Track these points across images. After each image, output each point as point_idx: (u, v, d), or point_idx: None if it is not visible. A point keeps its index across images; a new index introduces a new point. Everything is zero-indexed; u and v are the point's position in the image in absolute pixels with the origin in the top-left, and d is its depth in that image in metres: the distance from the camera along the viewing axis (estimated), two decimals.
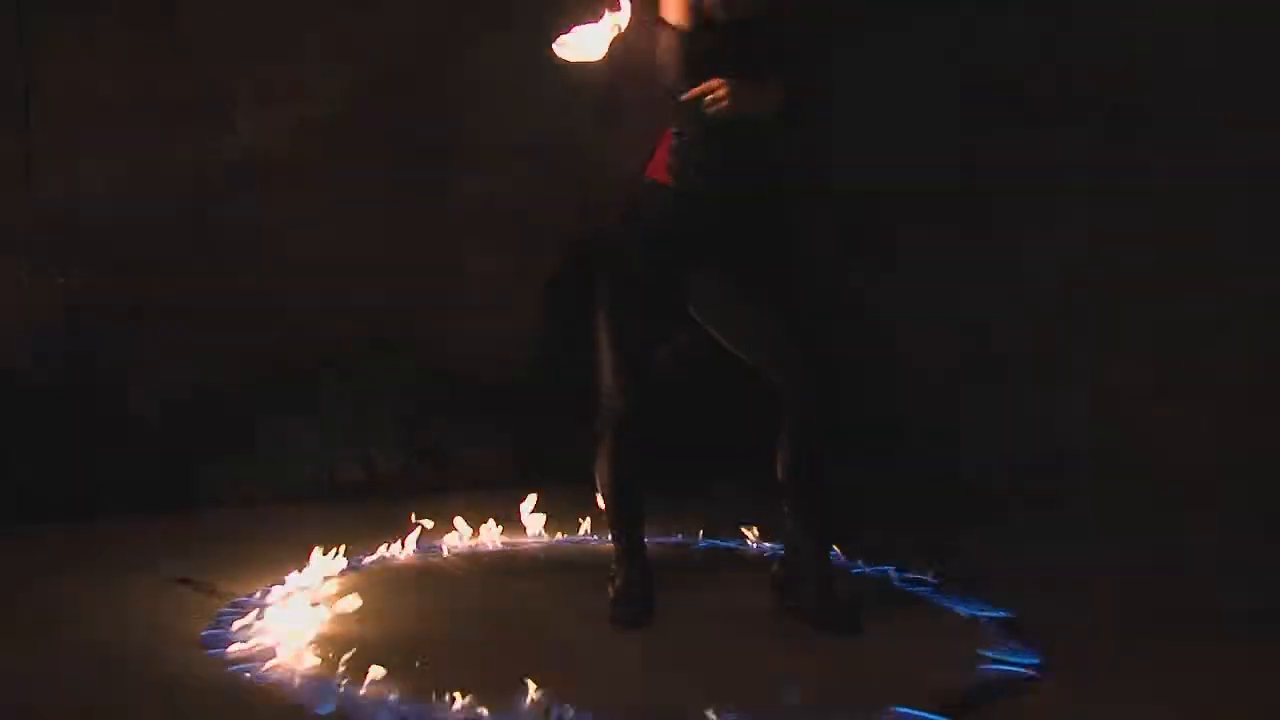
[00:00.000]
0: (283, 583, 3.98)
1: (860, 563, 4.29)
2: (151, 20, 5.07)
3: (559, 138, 5.60)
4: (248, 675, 3.35)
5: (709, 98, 3.52)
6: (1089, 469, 4.92)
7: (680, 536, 4.60)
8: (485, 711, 3.07)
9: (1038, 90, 5.06)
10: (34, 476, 4.75)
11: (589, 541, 4.55)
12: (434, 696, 3.14)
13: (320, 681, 3.27)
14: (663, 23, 3.60)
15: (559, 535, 4.62)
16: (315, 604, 3.78)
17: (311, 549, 4.10)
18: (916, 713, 3.12)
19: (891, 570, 4.24)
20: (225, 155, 5.20)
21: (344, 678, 3.29)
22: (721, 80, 3.51)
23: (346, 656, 3.38)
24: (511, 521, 4.61)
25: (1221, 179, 4.51)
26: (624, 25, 3.51)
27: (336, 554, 4.14)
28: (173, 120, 5.12)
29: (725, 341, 3.73)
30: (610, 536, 3.88)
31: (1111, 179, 4.83)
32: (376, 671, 3.21)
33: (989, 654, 3.56)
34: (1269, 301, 4.43)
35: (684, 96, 3.56)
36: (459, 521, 4.55)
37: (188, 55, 5.12)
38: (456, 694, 3.13)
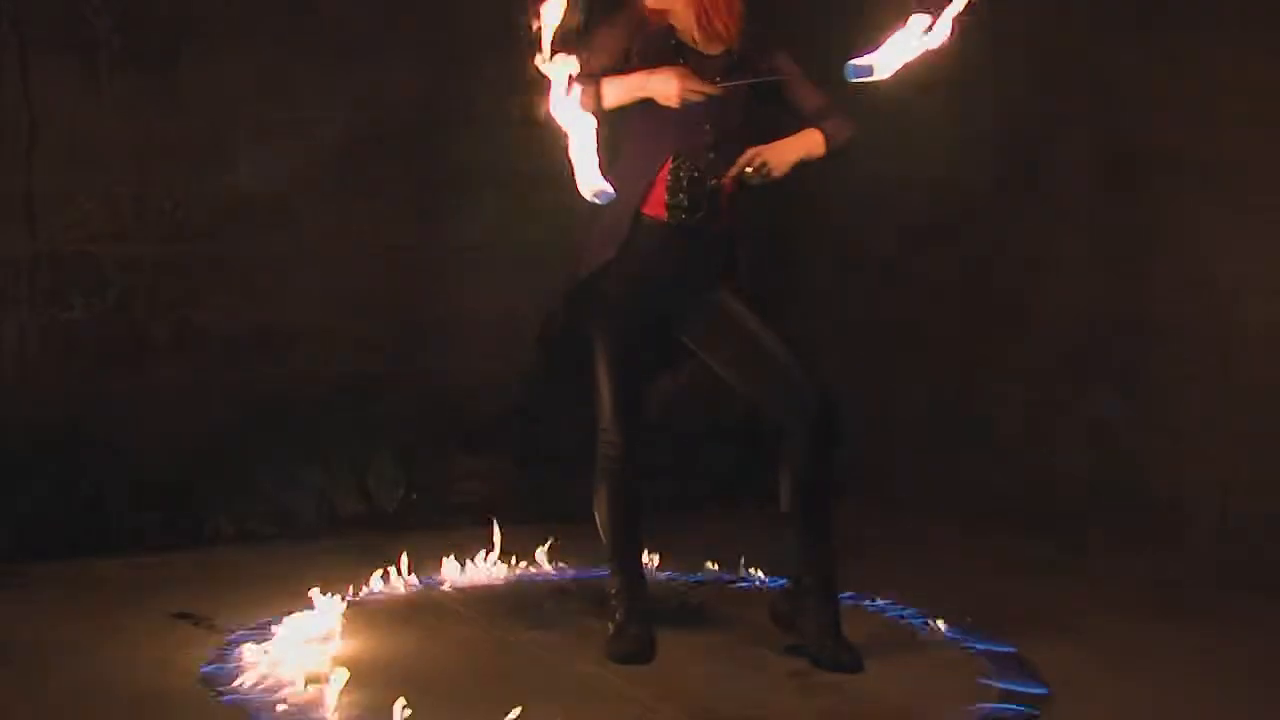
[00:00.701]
0: (283, 617, 3.99)
1: (864, 597, 4.28)
2: (152, 64, 5.12)
3: (558, 174, 5.63)
4: (248, 710, 3.36)
5: (749, 170, 3.58)
6: (1088, 498, 4.93)
7: (680, 571, 4.61)
8: None
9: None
10: (34, 513, 4.75)
11: (588, 575, 4.56)
12: None
13: (319, 716, 3.28)
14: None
15: (558, 569, 4.63)
16: (315, 639, 3.79)
17: (312, 583, 4.11)
18: None
19: (890, 606, 4.23)
20: (225, 194, 5.24)
21: (343, 712, 3.30)
22: (755, 150, 3.57)
23: (346, 691, 3.39)
24: (510, 555, 4.62)
25: None
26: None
27: (336, 592, 4.14)
28: (173, 160, 5.16)
29: (724, 375, 3.75)
30: (609, 570, 3.89)
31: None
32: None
33: (995, 685, 3.56)
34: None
35: (724, 178, 3.62)
36: (458, 555, 4.56)
37: (188, 98, 5.17)
38: None
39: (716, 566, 4.60)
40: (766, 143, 3.67)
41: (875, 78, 3.47)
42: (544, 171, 5.61)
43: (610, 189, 3.31)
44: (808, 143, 3.67)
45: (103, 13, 5.03)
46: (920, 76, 3.47)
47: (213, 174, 5.24)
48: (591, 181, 3.31)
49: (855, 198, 5.80)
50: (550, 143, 5.55)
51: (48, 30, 4.97)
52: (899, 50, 3.44)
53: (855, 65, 3.46)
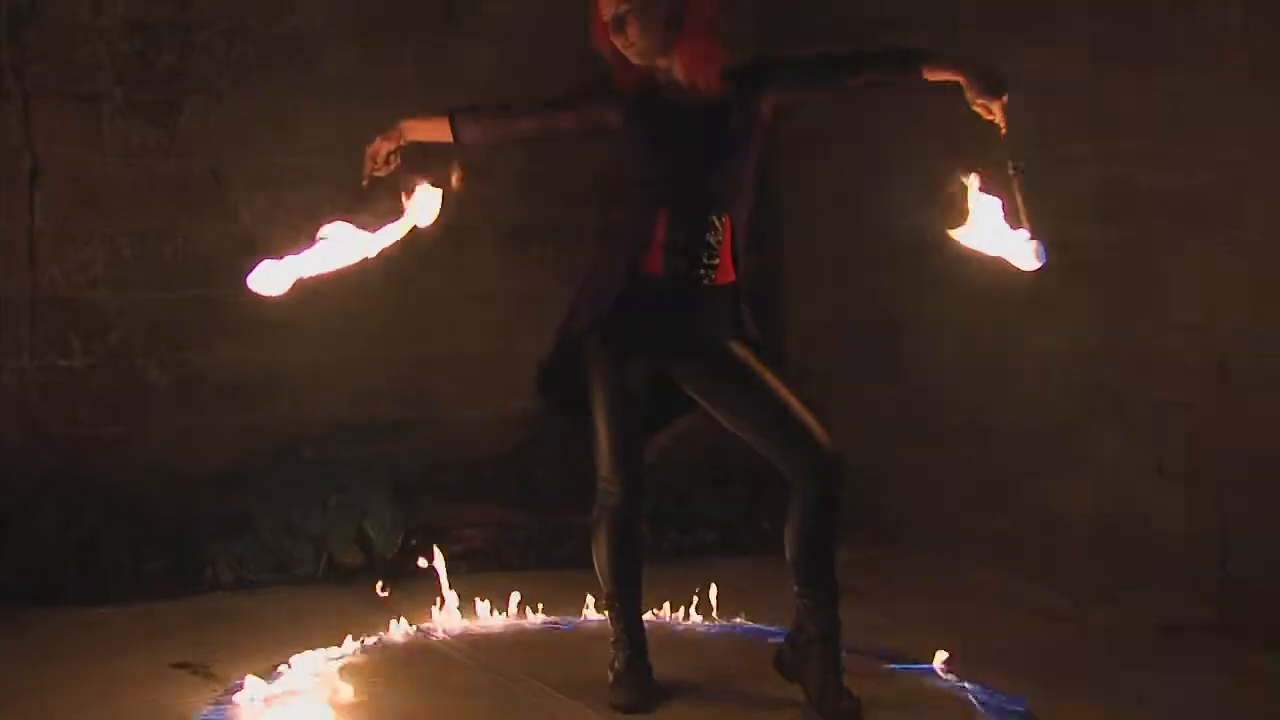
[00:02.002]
0: (282, 665, 3.97)
1: (868, 647, 4.26)
2: (154, 110, 5.15)
3: (558, 221, 5.66)
4: None
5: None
6: (1088, 539, 4.92)
7: (680, 617, 4.59)
8: None
9: None
10: (33, 559, 4.74)
11: (588, 623, 4.54)
12: None
13: None
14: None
15: (558, 616, 4.61)
16: (315, 688, 3.76)
17: (310, 631, 4.09)
18: None
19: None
20: (225, 239, 5.26)
21: None
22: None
23: None
24: (510, 602, 4.60)
25: None
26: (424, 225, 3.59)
27: (335, 640, 4.13)
28: (174, 205, 5.19)
29: (727, 424, 3.73)
30: (609, 619, 3.87)
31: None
32: None
33: None
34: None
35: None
36: (457, 602, 4.54)
37: (188, 143, 5.20)
38: None
39: (717, 614, 4.58)
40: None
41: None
42: (544, 218, 5.70)
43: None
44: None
45: (105, 63, 5.06)
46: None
47: (213, 219, 5.25)
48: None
49: (853, 237, 5.82)
50: (549, 191, 5.64)
51: (51, 79, 5.00)
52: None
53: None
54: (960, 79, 3.49)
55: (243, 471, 5.11)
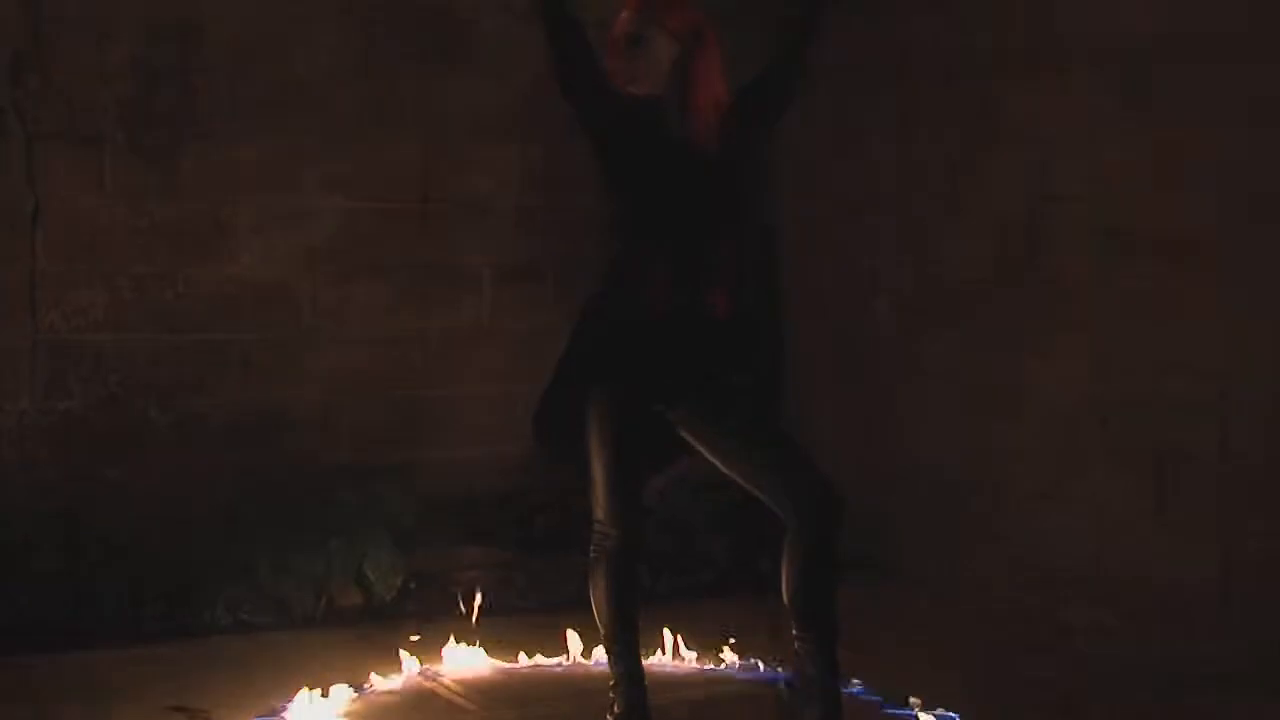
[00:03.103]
0: (281, 711, 3.95)
1: (866, 689, 4.24)
2: (155, 154, 5.17)
3: (557, 260, 5.68)
4: None
5: None
6: (1087, 581, 4.91)
7: (680, 659, 4.57)
8: None
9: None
10: (31, 603, 4.73)
11: (588, 665, 4.52)
12: None
13: None
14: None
15: (558, 659, 4.59)
16: None
17: (310, 674, 4.07)
18: None
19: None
20: (225, 282, 5.27)
21: None
22: None
23: None
24: (509, 646, 4.59)
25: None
26: None
27: (335, 684, 4.11)
28: (174, 248, 5.20)
29: (723, 466, 3.72)
30: (608, 661, 3.85)
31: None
32: None
33: None
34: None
35: None
36: (456, 646, 4.53)
37: (189, 186, 5.22)
38: None
39: (717, 657, 4.56)
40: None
41: None
42: (542, 258, 5.72)
43: None
44: None
45: (108, 106, 5.09)
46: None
47: (213, 261, 5.27)
48: None
49: (853, 282, 5.84)
50: (547, 229, 5.65)
51: (53, 121, 5.03)
52: None
53: None
54: None
55: (242, 514, 5.10)
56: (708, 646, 4.58)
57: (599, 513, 3.70)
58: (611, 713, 3.78)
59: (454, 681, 4.39)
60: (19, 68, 4.98)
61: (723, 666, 4.53)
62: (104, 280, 5.11)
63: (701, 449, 3.72)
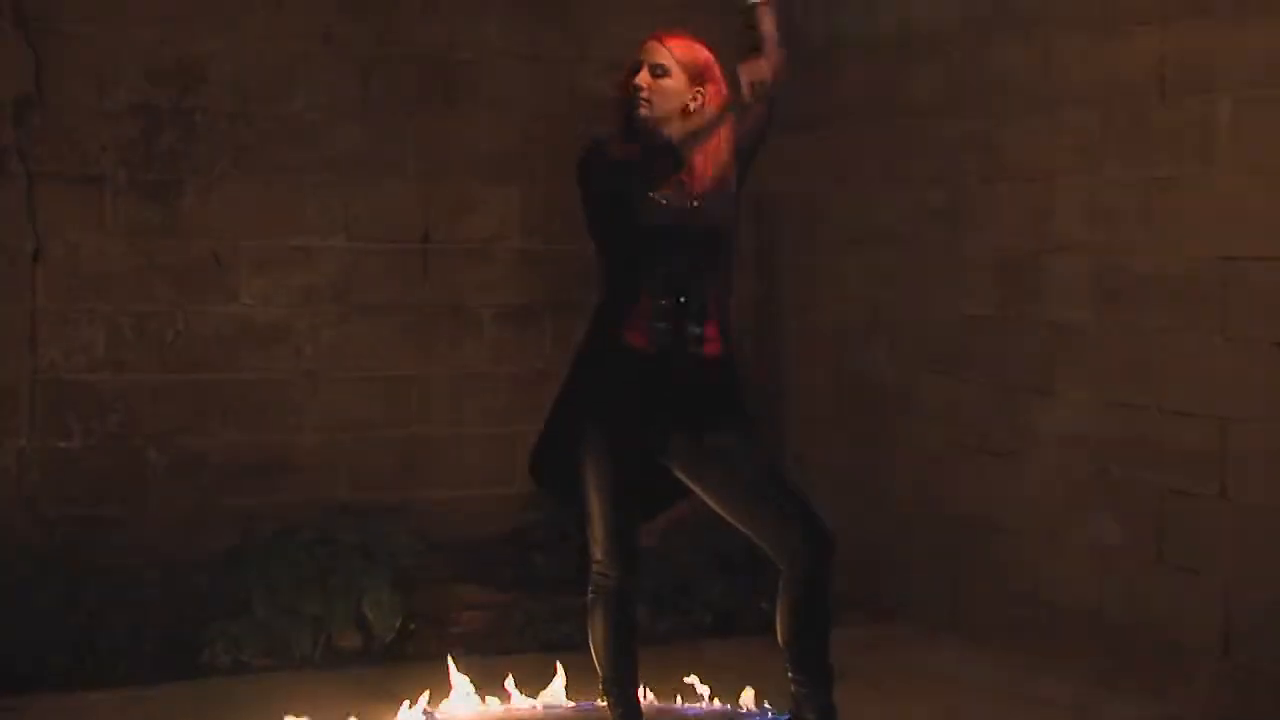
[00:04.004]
0: None
1: None
2: (156, 191, 5.19)
3: (557, 301, 5.69)
4: None
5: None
6: (1088, 627, 4.89)
7: (678, 700, 4.55)
8: None
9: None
10: (30, 642, 4.71)
11: (586, 706, 4.50)
12: None
13: None
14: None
15: (557, 700, 4.57)
16: None
17: (309, 716, 4.05)
18: None
19: None
20: (226, 321, 5.28)
21: None
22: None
23: None
24: (509, 686, 4.57)
25: None
26: None
27: None
28: (175, 287, 5.21)
29: (716, 507, 3.71)
30: (606, 702, 3.84)
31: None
32: None
33: None
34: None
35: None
36: (457, 687, 4.51)
37: (190, 224, 5.24)
38: None
39: (715, 698, 4.54)
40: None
41: None
42: (543, 299, 5.73)
43: None
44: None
45: (109, 145, 5.11)
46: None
47: (214, 301, 5.28)
48: None
49: (854, 324, 5.84)
50: (548, 271, 5.66)
51: (55, 161, 5.05)
52: None
53: None
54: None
55: (241, 553, 5.09)
56: (708, 688, 4.56)
57: (597, 553, 3.70)
58: None
59: None
60: (22, 108, 5.00)
61: (722, 708, 4.51)
62: (104, 319, 5.12)
63: (695, 488, 3.72)
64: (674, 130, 3.61)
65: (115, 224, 5.14)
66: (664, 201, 3.60)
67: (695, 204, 3.60)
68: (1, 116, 4.98)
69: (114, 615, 4.85)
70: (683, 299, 3.61)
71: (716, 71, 3.65)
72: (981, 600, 5.28)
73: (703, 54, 3.65)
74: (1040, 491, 5.09)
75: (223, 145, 5.29)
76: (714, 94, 3.62)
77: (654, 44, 3.65)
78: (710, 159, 3.62)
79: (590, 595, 3.74)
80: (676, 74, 3.60)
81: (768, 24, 3.61)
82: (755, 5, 3.59)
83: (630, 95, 3.61)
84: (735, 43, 3.62)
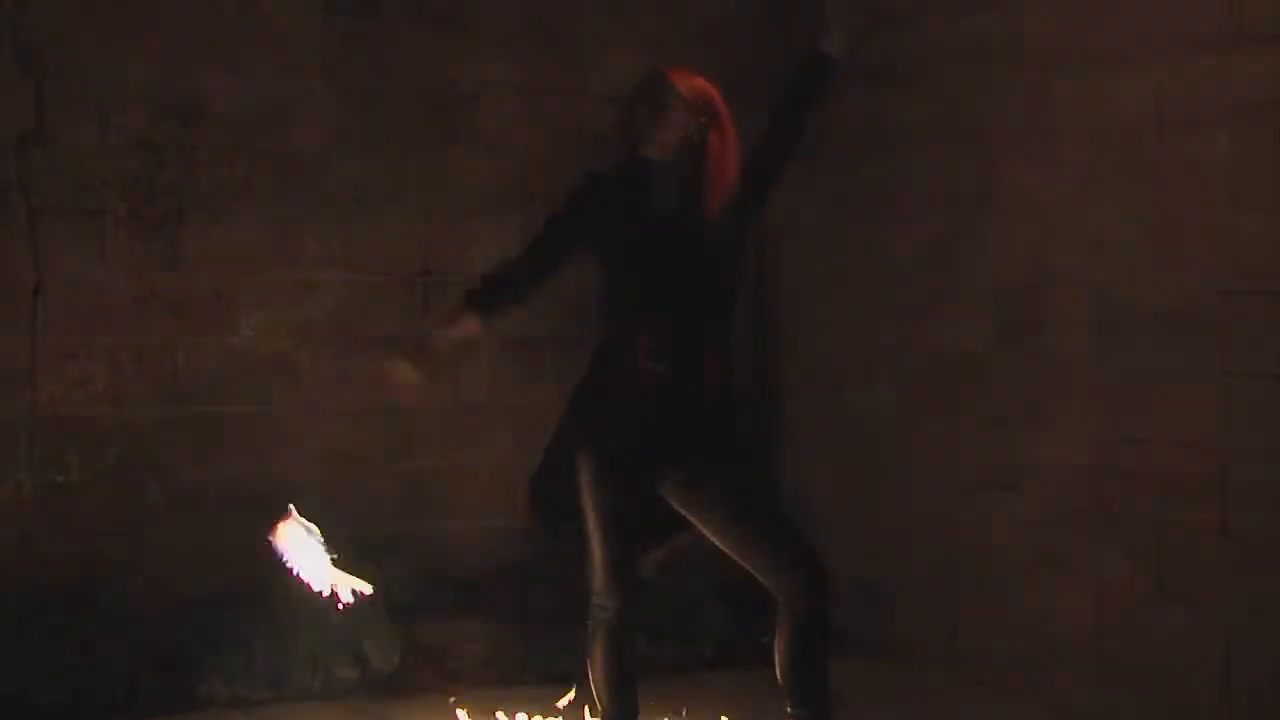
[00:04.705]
0: None
1: None
2: (157, 227, 5.21)
3: (558, 332, 5.69)
4: None
5: None
6: (1088, 657, 4.88)
7: None
8: None
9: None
10: (29, 677, 4.70)
11: None
12: None
13: None
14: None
15: None
16: None
17: None
18: None
19: None
20: (226, 355, 5.28)
21: None
22: None
23: None
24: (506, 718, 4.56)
25: None
26: None
27: None
28: (175, 321, 5.22)
29: (714, 538, 3.71)
30: None
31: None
32: None
33: None
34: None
35: None
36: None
37: (190, 260, 5.25)
38: None
39: None
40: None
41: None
42: (543, 331, 5.73)
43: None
44: None
45: (110, 180, 5.13)
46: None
47: (214, 334, 5.29)
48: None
49: (852, 356, 5.85)
50: (548, 302, 5.66)
51: (56, 195, 5.06)
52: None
53: None
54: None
55: (240, 587, 5.08)
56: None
57: (595, 585, 3.70)
58: None
59: None
60: (24, 142, 5.02)
61: None
62: (104, 353, 5.12)
63: (693, 520, 3.71)
64: (673, 159, 3.62)
65: (116, 258, 5.14)
66: (660, 228, 3.61)
67: (693, 231, 3.61)
68: (3, 151, 4.99)
69: (112, 649, 4.84)
70: (680, 328, 3.61)
71: (718, 103, 3.66)
72: (981, 633, 5.27)
73: (704, 87, 3.67)
74: (1039, 524, 5.08)
75: (223, 179, 5.31)
76: (715, 128, 3.63)
77: (655, 75, 3.67)
78: (711, 187, 3.62)
79: (590, 627, 3.73)
80: (677, 105, 3.62)
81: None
82: None
83: (631, 125, 3.63)
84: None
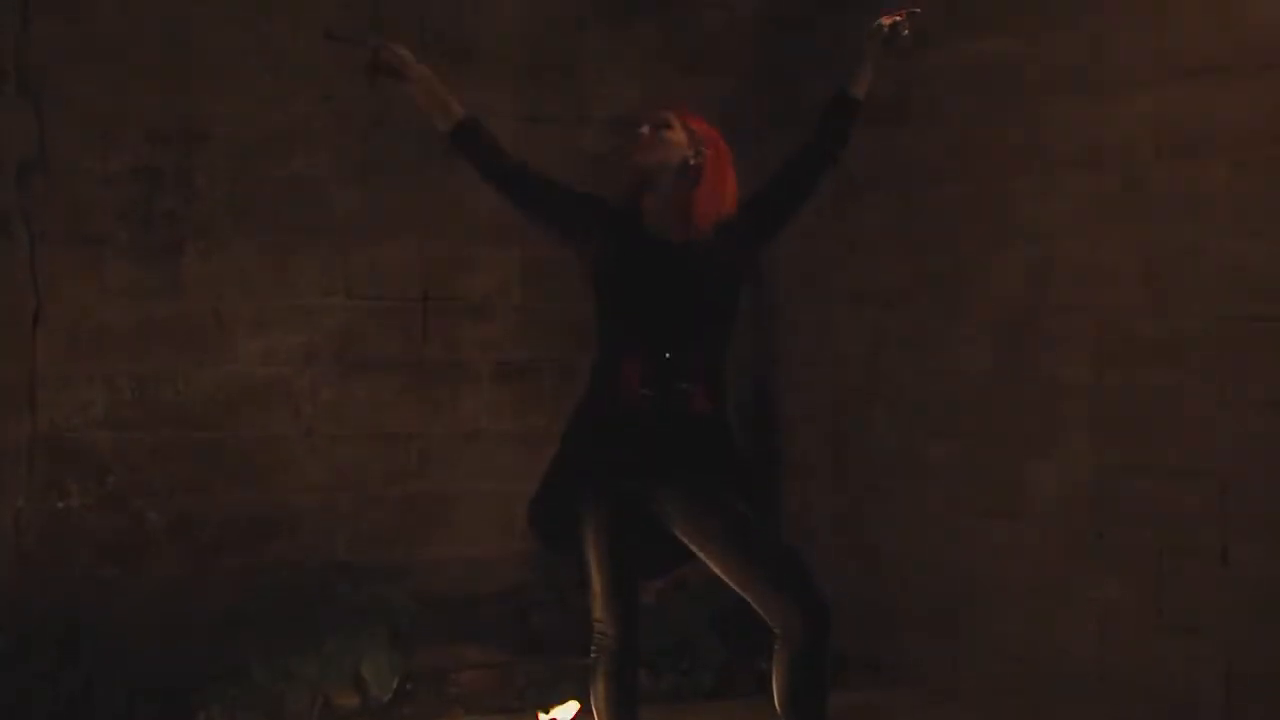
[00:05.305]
0: None
1: None
2: (157, 254, 5.22)
3: (556, 358, 5.70)
4: None
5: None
6: (1091, 686, 4.87)
7: None
8: None
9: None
10: (26, 704, 4.69)
11: None
12: None
13: None
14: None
15: None
16: None
17: None
18: None
19: None
20: (225, 380, 5.28)
21: None
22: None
23: None
24: None
25: None
26: None
27: None
28: (175, 347, 5.22)
29: (714, 566, 3.69)
30: None
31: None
32: None
33: None
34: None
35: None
36: None
37: (190, 286, 5.25)
38: None
39: None
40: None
41: None
42: (542, 357, 5.74)
43: None
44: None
45: (110, 206, 5.14)
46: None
47: (213, 360, 5.29)
48: None
49: (854, 384, 5.85)
50: (547, 328, 5.67)
51: (57, 222, 5.07)
52: None
53: None
54: (870, 57, 3.77)
55: (239, 614, 5.07)
56: None
57: (596, 612, 3.68)
58: None
59: None
60: (25, 170, 5.03)
61: None
62: (104, 379, 5.12)
63: (692, 547, 3.70)
64: (670, 182, 3.64)
65: (116, 284, 5.15)
66: (650, 255, 3.62)
67: (684, 259, 3.62)
68: (5, 179, 5.00)
69: (110, 677, 4.83)
70: (669, 354, 3.61)
71: (717, 137, 3.68)
72: (981, 661, 5.25)
73: (707, 125, 3.71)
74: (1040, 552, 5.08)
75: (223, 206, 5.31)
76: (713, 156, 3.65)
77: (661, 104, 3.71)
78: (706, 212, 3.63)
79: (591, 656, 3.72)
80: (678, 129, 3.65)
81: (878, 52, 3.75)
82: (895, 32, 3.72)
83: (634, 137, 3.65)
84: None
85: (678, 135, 3.64)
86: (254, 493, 5.29)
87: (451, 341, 5.69)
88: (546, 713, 4.56)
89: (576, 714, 4.50)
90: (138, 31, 5.18)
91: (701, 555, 3.68)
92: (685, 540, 3.69)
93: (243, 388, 5.32)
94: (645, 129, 3.66)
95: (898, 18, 3.73)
